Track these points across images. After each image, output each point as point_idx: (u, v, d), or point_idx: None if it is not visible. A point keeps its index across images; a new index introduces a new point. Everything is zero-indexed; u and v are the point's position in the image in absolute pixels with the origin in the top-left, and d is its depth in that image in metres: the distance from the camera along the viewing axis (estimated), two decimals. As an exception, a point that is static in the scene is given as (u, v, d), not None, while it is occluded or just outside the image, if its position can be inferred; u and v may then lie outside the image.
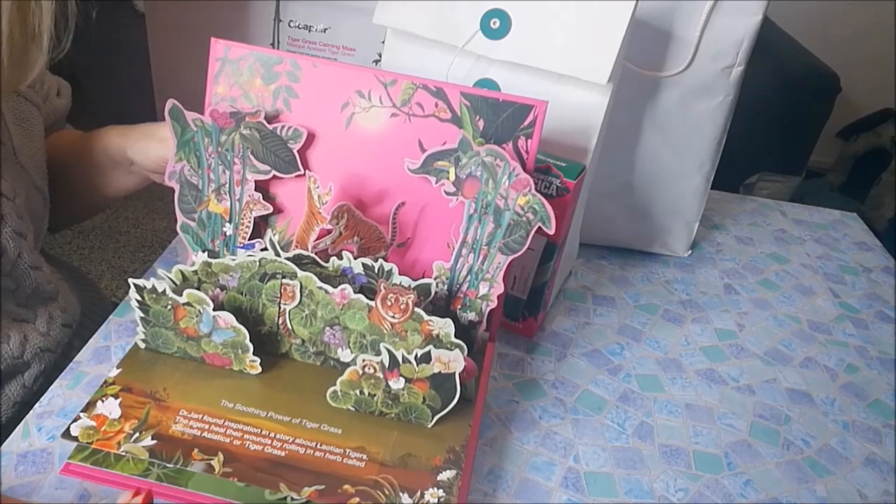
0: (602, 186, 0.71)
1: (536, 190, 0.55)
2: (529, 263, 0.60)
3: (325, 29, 0.88)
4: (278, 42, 0.90)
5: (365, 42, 0.89)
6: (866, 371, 0.65)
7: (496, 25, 0.57)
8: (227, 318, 0.48)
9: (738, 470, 0.53)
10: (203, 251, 0.53)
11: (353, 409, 0.48)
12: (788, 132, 1.80)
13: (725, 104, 0.68)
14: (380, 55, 0.80)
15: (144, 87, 1.01)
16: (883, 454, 0.56)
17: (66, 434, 0.44)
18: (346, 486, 0.42)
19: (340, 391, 0.47)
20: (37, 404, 0.52)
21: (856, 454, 0.56)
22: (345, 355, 0.50)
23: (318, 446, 0.45)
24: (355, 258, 0.50)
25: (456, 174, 0.50)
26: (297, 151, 0.51)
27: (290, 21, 0.89)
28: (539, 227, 0.49)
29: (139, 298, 0.48)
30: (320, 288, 0.48)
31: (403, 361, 0.45)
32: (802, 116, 1.77)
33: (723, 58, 0.65)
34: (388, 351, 0.45)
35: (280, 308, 0.50)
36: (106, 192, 0.65)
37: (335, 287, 0.48)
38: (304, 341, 0.51)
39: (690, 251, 0.79)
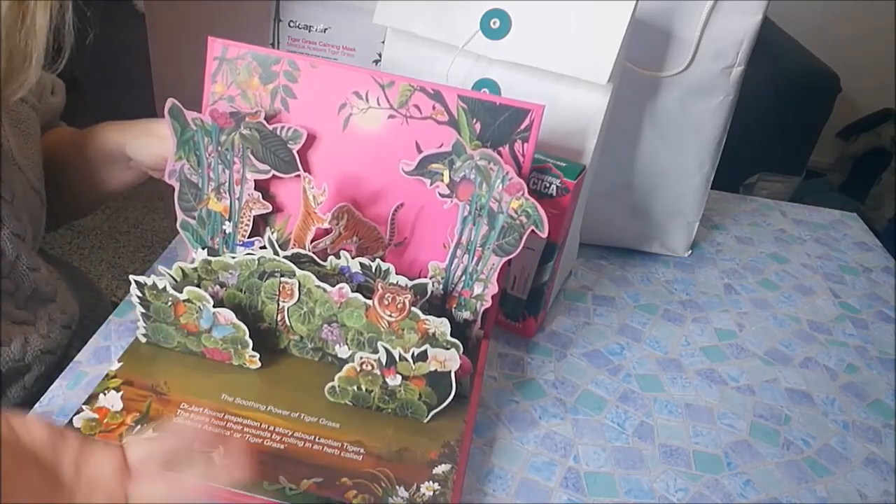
0: (602, 186, 0.71)
1: (536, 190, 0.55)
2: (529, 263, 0.60)
3: (325, 29, 0.88)
4: (278, 42, 0.90)
5: (365, 42, 0.89)
6: (866, 371, 0.65)
7: (496, 25, 0.57)
8: (226, 314, 0.48)
9: (738, 470, 0.53)
10: (203, 248, 0.53)
11: (351, 403, 0.48)
12: (788, 132, 1.80)
13: (725, 104, 0.68)
14: (380, 55, 0.80)
15: (144, 87, 1.02)
16: (883, 454, 0.56)
17: (69, 426, 0.44)
18: (343, 479, 0.43)
19: (339, 387, 0.48)
20: (37, 404, 0.52)
21: (856, 454, 0.56)
22: (342, 351, 0.51)
23: (317, 440, 0.45)
24: (353, 258, 0.50)
25: (450, 177, 0.50)
26: (297, 152, 0.51)
27: (290, 21, 0.89)
28: (532, 230, 0.49)
29: (140, 295, 0.49)
30: (318, 286, 0.49)
31: (400, 359, 0.46)
32: (802, 116, 1.77)
33: (723, 58, 0.65)
34: (386, 349, 0.46)
35: (279, 305, 0.50)
36: (103, 188, 0.65)
37: (333, 286, 0.49)
38: (302, 337, 0.51)
39: (690, 251, 0.79)
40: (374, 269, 0.50)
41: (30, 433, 0.36)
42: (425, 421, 0.48)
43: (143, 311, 0.50)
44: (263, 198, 0.53)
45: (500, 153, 0.49)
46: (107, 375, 0.48)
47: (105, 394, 0.46)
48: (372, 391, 0.48)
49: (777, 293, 0.74)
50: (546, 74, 0.57)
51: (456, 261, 0.52)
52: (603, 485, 0.51)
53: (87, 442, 0.38)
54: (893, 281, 0.78)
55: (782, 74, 1.71)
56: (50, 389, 0.53)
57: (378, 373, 0.47)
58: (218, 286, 0.50)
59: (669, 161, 0.71)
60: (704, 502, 0.50)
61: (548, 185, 0.56)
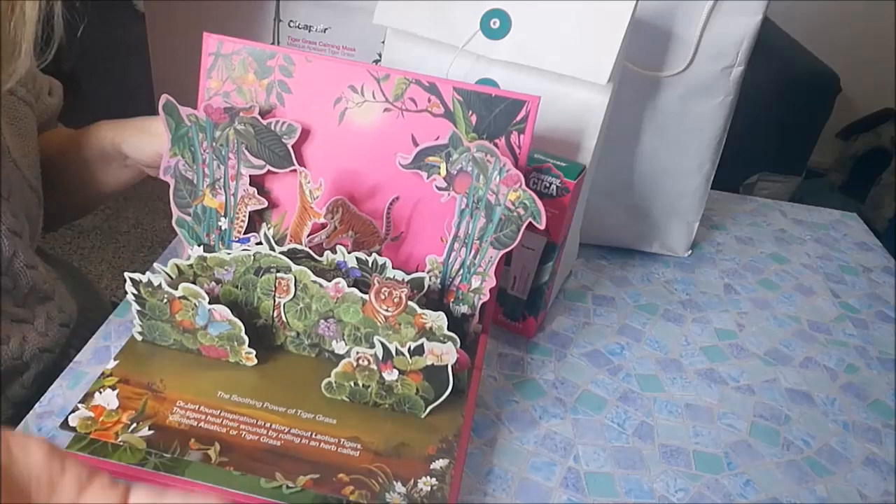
0: (602, 186, 0.70)
1: (536, 190, 0.55)
2: (529, 263, 0.59)
3: (325, 29, 0.88)
4: (278, 42, 0.90)
5: (365, 42, 0.89)
6: (866, 371, 0.64)
7: (496, 25, 0.57)
8: (222, 311, 0.48)
9: (738, 470, 0.53)
10: (198, 245, 0.53)
11: (348, 399, 0.48)
12: (788, 132, 1.80)
13: (725, 104, 0.68)
14: (380, 55, 0.80)
15: (144, 87, 1.01)
16: (883, 454, 0.56)
17: (65, 424, 0.44)
18: (340, 475, 0.43)
19: (335, 382, 0.48)
20: (37, 404, 0.52)
21: (856, 454, 0.56)
22: (339, 347, 0.50)
23: (314, 436, 0.45)
24: (349, 252, 0.50)
25: (447, 170, 0.50)
26: (292, 146, 0.51)
27: (290, 21, 0.89)
28: (530, 223, 0.49)
29: (135, 292, 0.49)
30: (314, 282, 0.49)
31: (397, 354, 0.46)
32: (802, 116, 1.78)
33: (723, 58, 0.65)
34: (382, 344, 0.46)
35: (275, 301, 0.50)
36: (101, 188, 0.65)
37: (329, 281, 0.48)
38: (298, 334, 0.51)
39: (690, 251, 0.78)
40: (370, 264, 0.50)
41: (27, 456, 0.34)
42: (423, 416, 0.48)
43: (139, 308, 0.49)
44: (259, 193, 0.53)
45: (496, 145, 0.49)
46: (103, 374, 0.48)
47: (101, 392, 0.46)
48: (369, 387, 0.47)
49: (777, 293, 0.74)
50: (546, 74, 0.57)
51: (453, 254, 0.52)
52: (603, 485, 0.50)
53: (90, 476, 0.34)
54: (893, 281, 0.78)
55: (782, 74, 1.72)
56: (50, 389, 0.53)
57: (375, 368, 0.46)
58: (214, 283, 0.50)
59: (669, 161, 0.71)
60: (704, 502, 0.50)
61: (548, 184, 0.55)
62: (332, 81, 0.51)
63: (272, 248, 0.49)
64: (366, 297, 0.48)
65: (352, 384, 0.47)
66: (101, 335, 0.58)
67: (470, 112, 0.50)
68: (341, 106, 0.51)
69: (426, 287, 0.51)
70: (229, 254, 0.49)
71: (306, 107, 0.51)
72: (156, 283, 0.48)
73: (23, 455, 0.34)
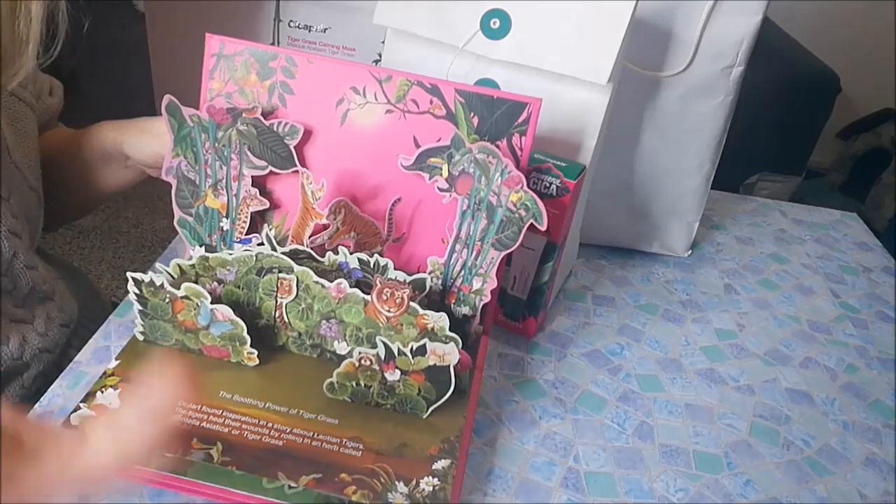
0: (602, 186, 0.70)
1: (536, 190, 0.55)
2: (529, 263, 0.59)
3: (325, 29, 0.88)
4: (278, 42, 0.90)
5: (365, 42, 0.89)
6: (866, 371, 0.64)
7: (496, 25, 0.57)
8: (224, 311, 0.48)
9: (738, 470, 0.53)
10: (200, 246, 0.53)
11: (350, 399, 0.48)
12: (788, 132, 1.80)
13: (725, 104, 0.68)
14: (380, 55, 0.80)
15: (144, 87, 1.01)
16: (883, 454, 0.56)
17: (67, 424, 0.44)
18: (342, 475, 0.43)
19: (337, 382, 0.48)
20: (37, 404, 0.52)
21: (856, 454, 0.56)
22: (341, 348, 0.51)
23: (316, 436, 0.45)
24: (351, 253, 0.50)
25: (449, 171, 0.50)
26: (294, 147, 0.51)
27: (290, 21, 0.89)
28: (531, 224, 0.49)
29: (137, 292, 0.49)
30: (316, 282, 0.49)
31: (399, 354, 0.46)
32: (802, 116, 1.78)
33: (723, 58, 0.65)
34: (385, 344, 0.46)
35: (277, 301, 0.50)
36: (102, 188, 0.65)
37: (331, 281, 0.48)
38: (300, 334, 0.51)
39: (690, 251, 0.79)
40: (372, 265, 0.50)
41: None
42: (424, 416, 0.48)
43: (141, 308, 0.49)
44: (261, 194, 0.53)
45: (497, 147, 0.49)
46: (104, 373, 0.48)
47: (102, 392, 0.46)
48: (371, 387, 0.47)
49: (777, 293, 0.74)
50: (546, 74, 0.57)
51: (455, 255, 0.52)
52: (603, 485, 0.51)
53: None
54: (893, 281, 0.78)
55: (782, 74, 1.72)
56: (50, 389, 0.53)
57: (377, 368, 0.46)
58: (216, 283, 0.50)
59: (669, 161, 0.71)
60: (704, 502, 0.50)
61: (548, 184, 0.55)
62: (334, 82, 0.51)
63: (274, 249, 0.49)
64: (368, 297, 0.48)
65: (354, 384, 0.48)
66: (101, 335, 0.58)
67: (472, 114, 0.50)
68: (343, 107, 0.51)
69: (428, 288, 0.51)
70: (231, 254, 0.49)
71: (308, 108, 0.52)
72: (158, 283, 0.48)
73: None
